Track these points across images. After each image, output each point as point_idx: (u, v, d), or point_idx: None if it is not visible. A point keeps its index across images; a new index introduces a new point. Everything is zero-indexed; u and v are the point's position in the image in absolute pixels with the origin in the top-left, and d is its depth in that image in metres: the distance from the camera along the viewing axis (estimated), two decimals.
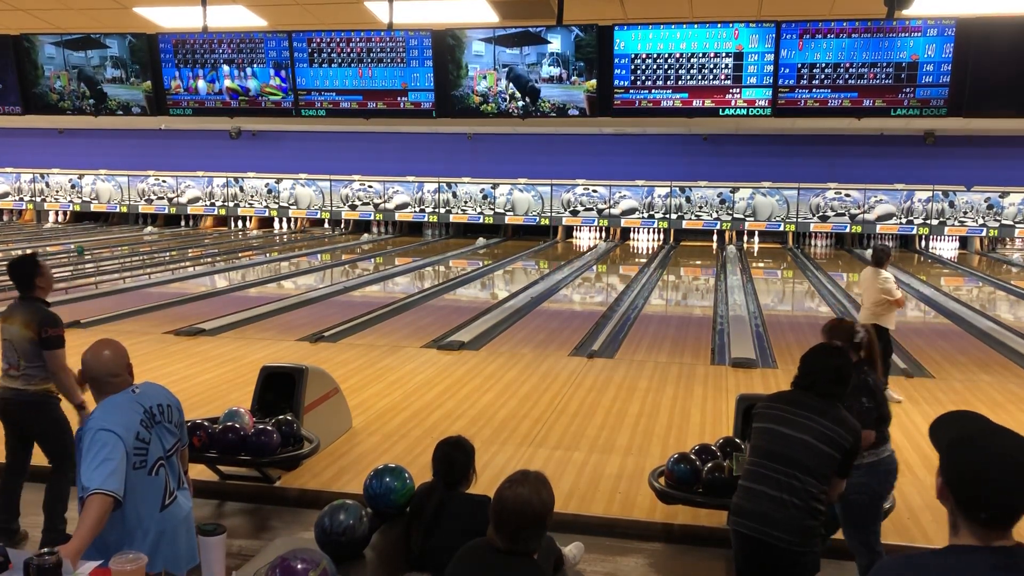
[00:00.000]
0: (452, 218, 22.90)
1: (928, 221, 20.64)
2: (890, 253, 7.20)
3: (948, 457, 1.68)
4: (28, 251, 4.49)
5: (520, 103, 6.71)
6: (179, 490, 2.97)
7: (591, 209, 22.14)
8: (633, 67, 6.58)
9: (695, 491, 4.42)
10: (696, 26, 6.44)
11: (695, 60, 6.46)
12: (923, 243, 21.07)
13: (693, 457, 4.53)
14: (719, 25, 6.41)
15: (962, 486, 1.63)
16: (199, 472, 5.10)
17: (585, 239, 22.53)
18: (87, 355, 2.89)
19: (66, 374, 4.20)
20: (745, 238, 21.88)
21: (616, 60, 6.57)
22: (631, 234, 22.54)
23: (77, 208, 25.03)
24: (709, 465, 4.43)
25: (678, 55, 6.49)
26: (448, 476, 3.11)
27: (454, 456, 3.14)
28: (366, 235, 23.35)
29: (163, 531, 2.83)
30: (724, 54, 6.41)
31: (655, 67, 6.54)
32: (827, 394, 3.14)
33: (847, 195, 20.85)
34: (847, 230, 20.98)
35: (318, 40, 7.10)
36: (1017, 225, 20.27)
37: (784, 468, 3.04)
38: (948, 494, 1.65)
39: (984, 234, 20.63)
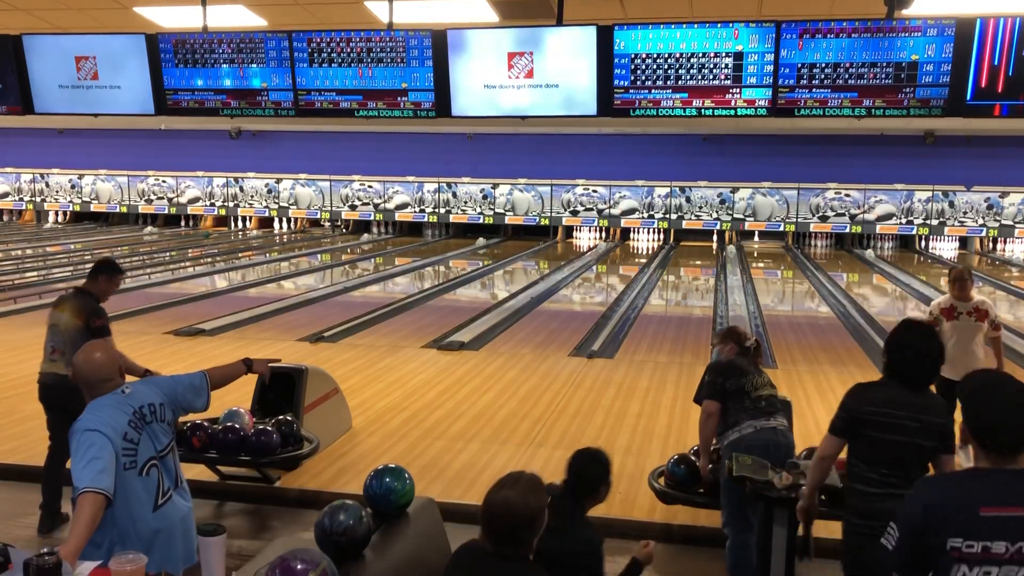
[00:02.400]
0: (452, 218, 22.89)
1: (928, 221, 20.63)
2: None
3: (965, 403, 2.16)
4: (105, 255, 5.03)
5: None
6: (176, 490, 2.96)
7: (591, 209, 22.14)
8: (633, 67, 6.58)
9: (695, 491, 4.42)
10: (696, 26, 6.44)
11: (695, 60, 6.46)
12: (923, 243, 21.07)
13: (693, 458, 4.52)
14: (719, 25, 6.42)
15: (977, 425, 2.10)
16: (199, 472, 5.10)
17: (585, 239, 22.52)
18: (79, 359, 2.88)
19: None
20: (750, 238, 21.88)
21: (616, 60, 6.57)
22: (631, 234, 22.53)
23: (77, 208, 25.02)
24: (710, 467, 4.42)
25: (678, 55, 6.49)
26: (579, 488, 3.06)
27: (587, 468, 3.11)
28: (366, 235, 23.35)
29: (158, 531, 2.83)
30: (724, 54, 6.42)
31: (655, 67, 6.54)
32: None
33: (847, 195, 20.84)
34: (847, 230, 20.97)
35: (318, 40, 7.10)
36: (1017, 225, 20.26)
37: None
38: (968, 432, 2.12)
39: (984, 234, 20.63)
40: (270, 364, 3.50)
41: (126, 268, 14.82)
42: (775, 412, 3.93)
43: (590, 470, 3.14)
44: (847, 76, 6.25)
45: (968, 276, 5.62)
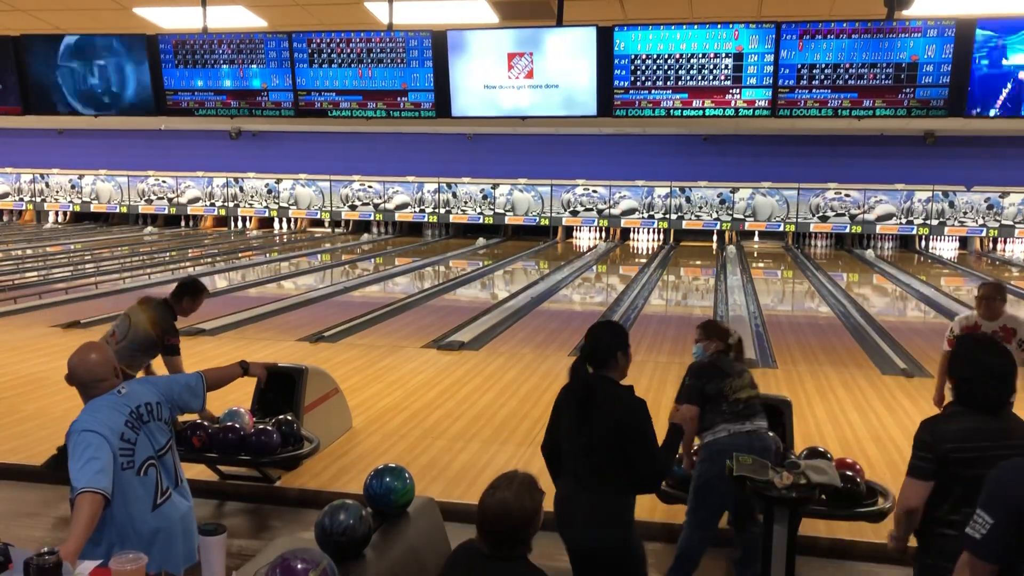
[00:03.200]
0: (452, 218, 22.89)
1: (928, 221, 20.64)
2: None
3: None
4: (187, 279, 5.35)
5: None
6: (175, 489, 2.96)
7: (591, 209, 22.14)
8: (633, 67, 6.59)
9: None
10: (696, 27, 6.44)
11: (695, 60, 6.47)
12: (923, 243, 21.08)
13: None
14: (719, 26, 6.42)
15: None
16: (199, 472, 5.10)
17: (585, 239, 22.52)
18: (73, 360, 2.88)
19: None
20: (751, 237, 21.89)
21: (616, 60, 6.58)
22: (631, 234, 22.54)
23: (77, 208, 25.02)
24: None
25: (678, 55, 6.49)
26: (592, 357, 3.13)
27: (599, 335, 3.18)
28: (366, 235, 23.35)
29: (158, 530, 2.83)
30: (724, 54, 6.42)
31: (655, 67, 6.54)
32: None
33: (847, 195, 20.85)
34: (847, 230, 20.98)
35: (318, 40, 7.10)
36: (1017, 225, 20.26)
37: None
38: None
39: (984, 234, 20.63)
40: (266, 367, 3.49)
41: (126, 268, 14.87)
42: (753, 415, 3.92)
43: (604, 337, 3.19)
44: (847, 76, 6.25)
45: (998, 295, 5.03)
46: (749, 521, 3.99)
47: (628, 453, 3.03)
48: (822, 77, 6.31)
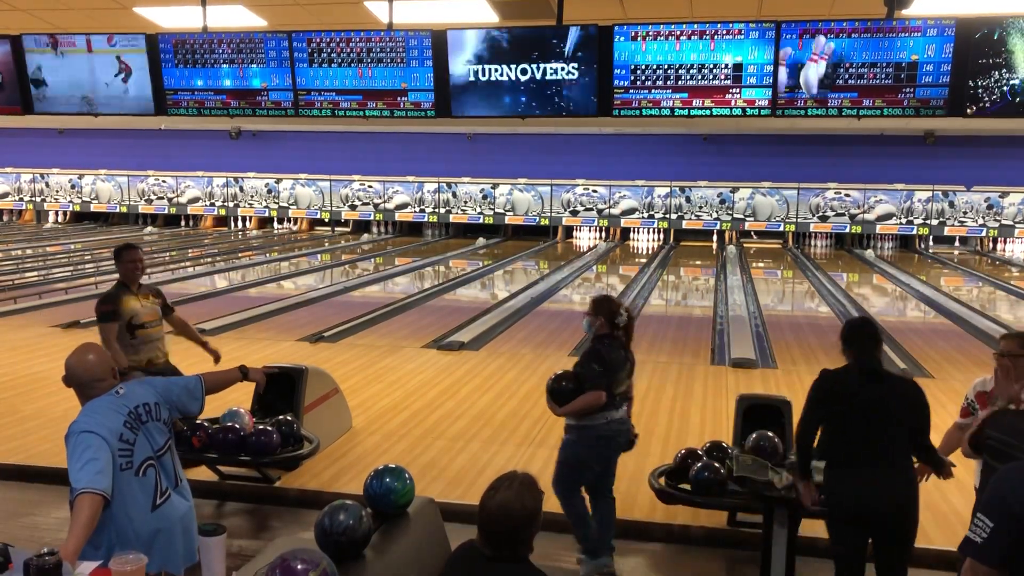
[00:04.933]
0: (452, 218, 22.89)
1: (928, 221, 20.64)
2: None
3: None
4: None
5: None
6: (175, 489, 2.96)
7: (591, 209, 22.14)
8: (633, 67, 6.58)
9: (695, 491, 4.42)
10: (696, 26, 6.44)
11: (695, 60, 6.46)
12: (923, 244, 21.09)
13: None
14: (719, 25, 6.42)
15: None
16: (199, 472, 5.10)
17: (585, 239, 22.53)
18: (71, 360, 2.87)
19: (110, 346, 4.81)
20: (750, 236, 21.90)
21: (616, 60, 6.57)
22: (631, 234, 22.54)
23: (77, 208, 25.02)
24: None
25: (678, 55, 6.49)
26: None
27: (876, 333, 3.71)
28: (366, 235, 23.35)
29: (158, 531, 2.83)
30: (724, 54, 6.41)
31: (655, 67, 6.54)
32: None
33: (847, 195, 20.85)
34: (847, 230, 20.98)
35: (318, 40, 7.10)
36: (1017, 225, 20.26)
37: None
38: None
39: (984, 234, 20.64)
40: (266, 373, 3.49)
41: None
42: (622, 404, 4.28)
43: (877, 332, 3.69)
44: (847, 76, 6.25)
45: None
46: (601, 496, 4.33)
47: (909, 427, 3.46)
48: (822, 77, 6.31)
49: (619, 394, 4.20)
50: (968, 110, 6.01)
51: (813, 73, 6.18)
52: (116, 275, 5.30)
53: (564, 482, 4.20)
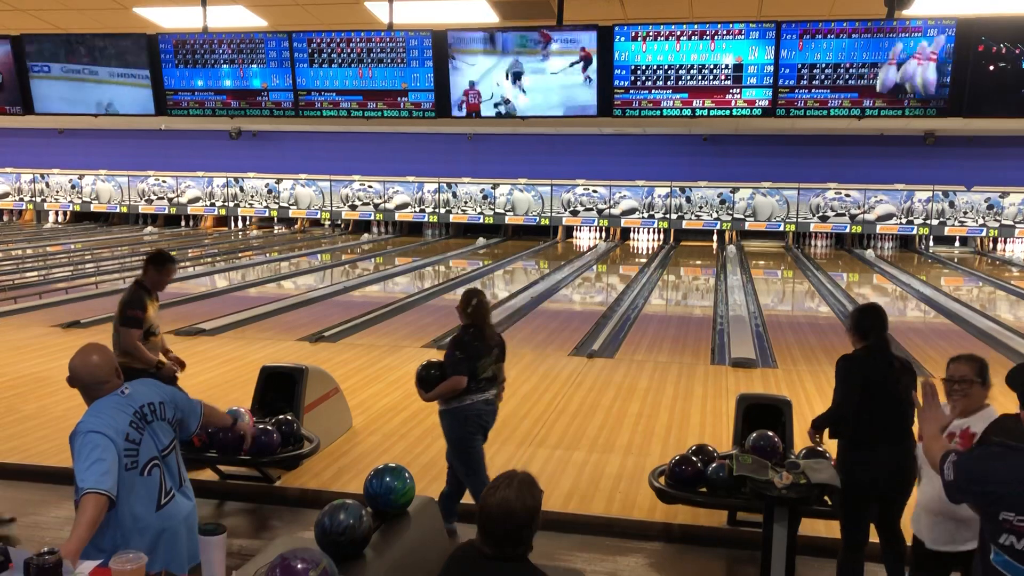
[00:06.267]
0: (452, 218, 22.90)
1: (928, 221, 20.64)
2: None
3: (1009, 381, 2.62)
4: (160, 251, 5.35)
5: None
6: (179, 489, 2.96)
7: (591, 209, 22.14)
8: (633, 67, 6.58)
9: (695, 491, 4.42)
10: (696, 27, 6.44)
11: (695, 60, 6.46)
12: (923, 243, 21.09)
13: (693, 460, 4.49)
14: (719, 25, 6.41)
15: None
16: (199, 472, 5.10)
17: (585, 239, 22.53)
18: (75, 361, 2.87)
19: (136, 349, 4.84)
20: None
21: (616, 59, 6.57)
22: (631, 234, 22.54)
23: (77, 208, 25.03)
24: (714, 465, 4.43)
25: (679, 55, 6.48)
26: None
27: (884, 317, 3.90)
28: (366, 235, 23.35)
29: (162, 530, 2.83)
30: (724, 54, 6.41)
31: (655, 67, 6.54)
32: None
33: (847, 195, 20.85)
34: (847, 230, 20.98)
35: (318, 40, 7.10)
36: (1017, 225, 20.26)
37: None
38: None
39: (984, 234, 20.64)
40: (253, 433, 3.54)
41: (126, 268, 14.87)
42: (490, 386, 4.58)
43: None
44: (847, 76, 6.24)
45: (977, 376, 3.27)
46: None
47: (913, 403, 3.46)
48: (822, 77, 6.31)
49: (484, 378, 4.51)
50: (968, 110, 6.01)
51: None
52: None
53: (463, 462, 4.58)
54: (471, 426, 4.53)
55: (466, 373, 4.43)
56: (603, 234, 22.55)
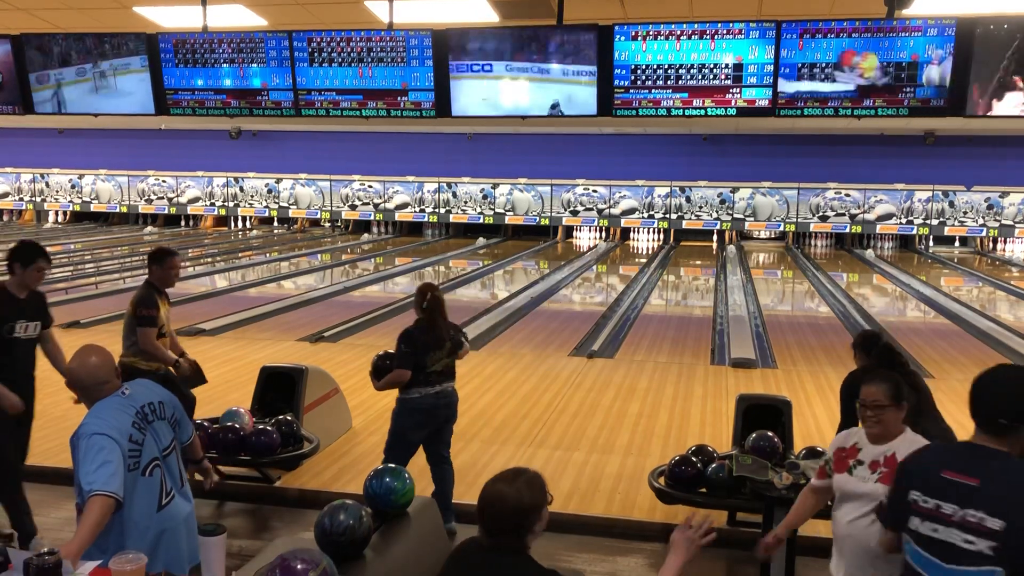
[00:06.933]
0: (452, 218, 22.90)
1: (928, 221, 20.64)
2: None
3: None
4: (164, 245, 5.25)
5: None
6: (179, 490, 2.96)
7: (591, 209, 22.14)
8: (633, 67, 6.58)
9: (695, 491, 4.43)
10: (696, 26, 6.44)
11: (695, 60, 6.46)
12: (923, 243, 21.09)
13: (694, 459, 4.51)
14: (719, 25, 6.41)
15: (970, 395, 2.29)
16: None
17: (585, 239, 22.53)
18: (73, 364, 2.85)
19: (155, 349, 4.86)
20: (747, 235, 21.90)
21: (616, 59, 6.57)
22: (631, 234, 22.54)
23: (77, 208, 25.03)
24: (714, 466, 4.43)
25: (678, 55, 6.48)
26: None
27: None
28: (366, 235, 23.35)
29: (163, 531, 2.82)
30: (724, 54, 6.41)
31: (655, 67, 6.54)
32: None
33: (847, 195, 20.85)
34: (847, 230, 20.98)
35: (318, 40, 7.09)
36: (1017, 225, 20.26)
37: None
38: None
39: (984, 234, 20.64)
40: (217, 480, 3.50)
41: (126, 268, 14.87)
42: (443, 380, 4.69)
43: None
44: (847, 76, 6.23)
45: (889, 394, 2.87)
46: (437, 463, 4.79)
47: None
48: (822, 77, 6.30)
49: (433, 372, 4.61)
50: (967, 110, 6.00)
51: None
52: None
53: (390, 450, 4.68)
54: (413, 418, 4.63)
55: (410, 366, 4.54)
56: (603, 234, 22.55)
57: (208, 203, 24.32)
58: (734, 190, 21.35)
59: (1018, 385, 2.25)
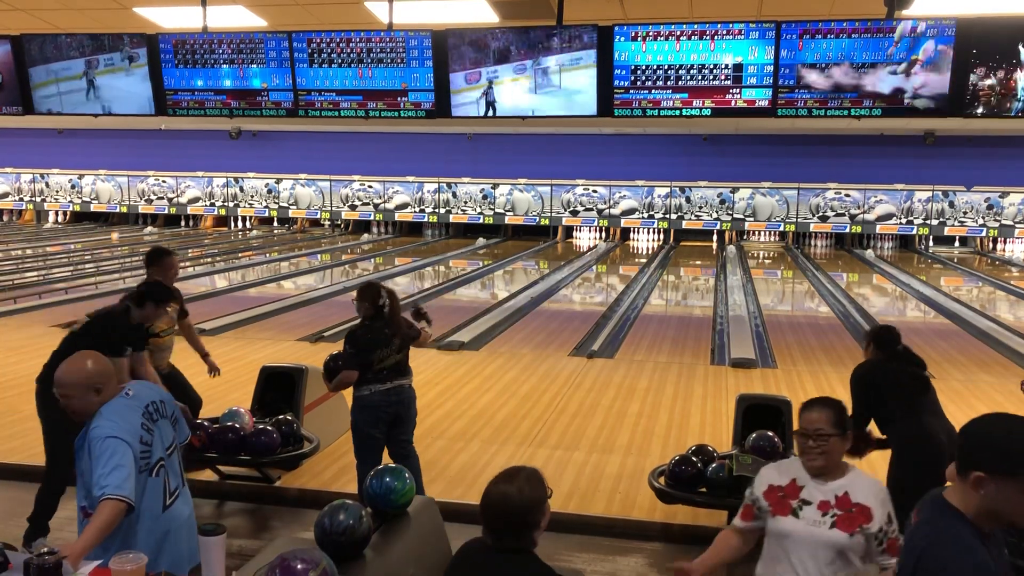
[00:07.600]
0: (452, 218, 22.90)
1: (928, 221, 20.64)
2: None
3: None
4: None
5: None
6: (181, 490, 2.96)
7: (591, 209, 22.14)
8: (633, 67, 6.58)
9: (695, 491, 4.43)
10: (696, 26, 6.44)
11: (695, 60, 6.46)
12: (923, 243, 21.09)
13: (693, 459, 4.52)
14: (719, 25, 6.41)
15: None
16: (199, 472, 5.10)
17: (585, 239, 22.53)
18: (63, 372, 2.79)
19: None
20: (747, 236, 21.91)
21: (616, 59, 6.57)
22: (631, 234, 22.54)
23: (77, 208, 25.02)
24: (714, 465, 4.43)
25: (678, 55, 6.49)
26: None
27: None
28: (366, 235, 23.35)
29: (167, 532, 2.82)
30: (724, 54, 6.41)
31: (655, 67, 6.54)
32: None
33: (847, 195, 20.85)
34: (847, 230, 20.98)
35: (318, 40, 7.10)
36: (1017, 225, 20.26)
37: None
38: None
39: (984, 234, 20.64)
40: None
41: (126, 268, 14.86)
42: (395, 376, 4.74)
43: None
44: (847, 76, 6.24)
45: (834, 428, 2.62)
46: (403, 457, 4.74)
47: None
48: (822, 76, 6.30)
49: (384, 368, 4.66)
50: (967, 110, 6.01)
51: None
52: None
53: (358, 451, 4.73)
54: (368, 415, 4.66)
55: (355, 367, 4.61)
56: (603, 234, 22.55)
57: (208, 203, 24.32)
58: (734, 190, 21.36)
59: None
